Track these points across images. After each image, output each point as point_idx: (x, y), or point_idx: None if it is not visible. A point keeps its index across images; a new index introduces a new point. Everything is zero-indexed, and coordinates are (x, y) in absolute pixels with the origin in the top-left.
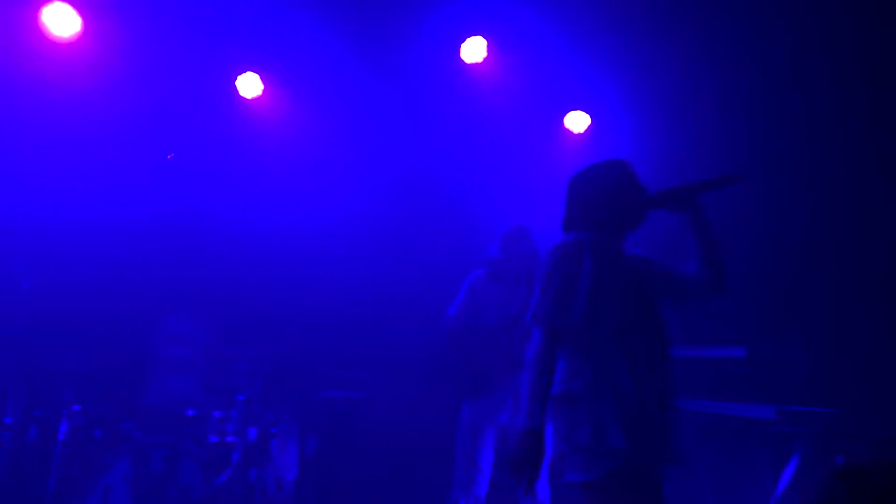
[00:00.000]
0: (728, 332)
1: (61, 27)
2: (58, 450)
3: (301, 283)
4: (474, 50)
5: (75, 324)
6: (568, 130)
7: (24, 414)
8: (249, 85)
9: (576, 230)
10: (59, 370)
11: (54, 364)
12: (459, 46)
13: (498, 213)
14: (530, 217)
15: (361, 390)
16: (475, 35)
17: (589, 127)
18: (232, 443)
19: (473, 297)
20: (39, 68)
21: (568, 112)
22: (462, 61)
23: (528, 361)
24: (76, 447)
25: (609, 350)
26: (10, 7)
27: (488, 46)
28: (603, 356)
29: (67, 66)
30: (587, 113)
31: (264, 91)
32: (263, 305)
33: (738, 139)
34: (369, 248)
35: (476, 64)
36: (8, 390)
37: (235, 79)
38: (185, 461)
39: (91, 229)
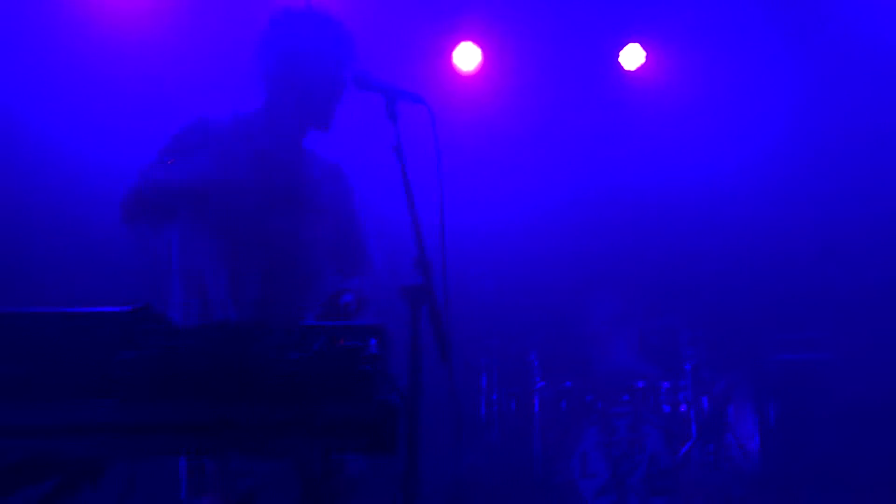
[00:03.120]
0: None
1: (467, 62)
2: (535, 420)
3: (732, 236)
4: None
5: (540, 311)
6: None
7: (505, 391)
8: (632, 56)
9: None
10: (524, 351)
11: (518, 347)
12: None
13: None
14: None
15: (823, 351)
16: None
17: None
18: (686, 412)
19: None
20: (450, 93)
21: None
22: None
23: None
24: (549, 418)
25: None
26: (428, 50)
27: None
28: None
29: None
30: None
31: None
32: (695, 269)
33: None
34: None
35: None
36: (493, 372)
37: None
38: (648, 428)
39: (524, 222)
